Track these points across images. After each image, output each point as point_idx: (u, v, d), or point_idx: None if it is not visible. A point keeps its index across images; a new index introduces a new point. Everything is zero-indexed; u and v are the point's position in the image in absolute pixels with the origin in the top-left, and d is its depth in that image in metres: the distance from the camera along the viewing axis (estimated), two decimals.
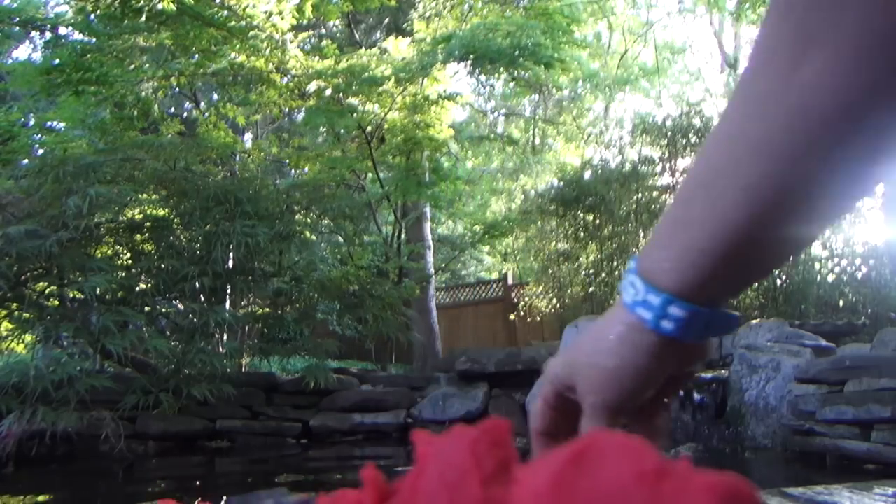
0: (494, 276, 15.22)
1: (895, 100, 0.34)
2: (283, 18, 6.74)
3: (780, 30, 0.36)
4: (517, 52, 6.90)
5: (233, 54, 6.82)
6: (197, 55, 7.23)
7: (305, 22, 7.21)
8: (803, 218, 0.38)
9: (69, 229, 4.43)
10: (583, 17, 10.96)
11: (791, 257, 0.45)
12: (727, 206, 0.38)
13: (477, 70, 7.92)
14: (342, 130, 7.88)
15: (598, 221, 8.19)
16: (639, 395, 0.45)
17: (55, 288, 5.01)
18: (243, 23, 6.73)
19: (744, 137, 0.38)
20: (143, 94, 7.57)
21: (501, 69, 7.52)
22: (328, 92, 7.10)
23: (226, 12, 6.75)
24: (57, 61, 6.65)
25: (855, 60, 0.33)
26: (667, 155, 7.92)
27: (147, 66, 7.52)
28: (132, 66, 7.42)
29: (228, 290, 5.84)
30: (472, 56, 6.93)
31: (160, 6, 6.40)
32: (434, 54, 7.09)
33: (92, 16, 6.99)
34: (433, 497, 0.15)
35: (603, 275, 8.06)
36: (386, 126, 7.86)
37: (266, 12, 6.67)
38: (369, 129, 7.82)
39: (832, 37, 0.33)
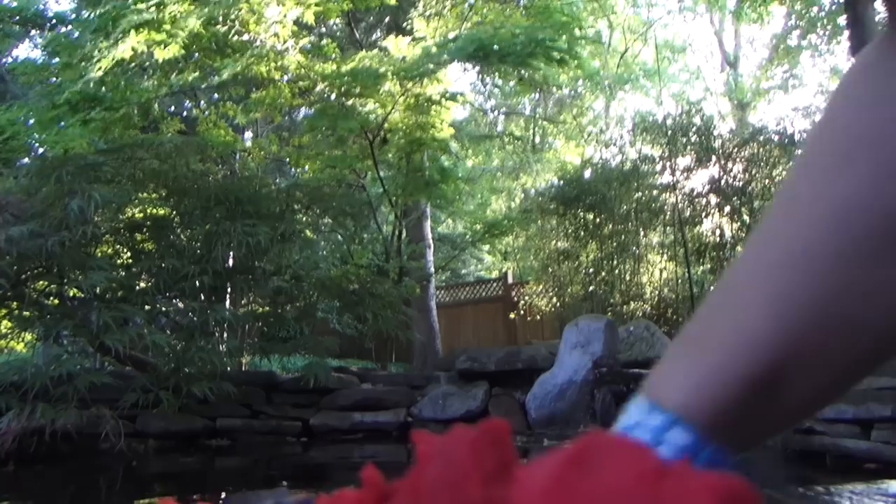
0: (494, 274, 15.23)
1: None
2: (284, 27, 6.72)
3: (826, 135, 0.33)
4: (531, 48, 6.74)
5: (238, 66, 6.81)
6: (197, 73, 7.23)
7: (305, 21, 7.20)
8: (839, 347, 0.31)
9: (72, 231, 4.44)
10: (583, 16, 10.95)
11: (822, 404, 0.35)
12: (751, 317, 0.32)
13: (486, 70, 7.81)
14: (344, 133, 7.86)
15: (598, 220, 8.19)
16: None
17: (55, 287, 5.01)
18: (246, 37, 6.73)
19: (777, 243, 0.33)
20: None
21: (511, 69, 7.40)
22: (333, 97, 7.09)
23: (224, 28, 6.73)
24: (63, 100, 6.53)
25: None
26: (667, 154, 7.92)
27: (149, 70, 7.52)
28: (132, 64, 7.41)
29: (228, 289, 5.85)
30: (481, 53, 6.82)
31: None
32: (440, 55, 7.05)
33: (92, 15, 6.99)
34: (433, 497, 0.15)
35: (603, 273, 8.07)
36: (387, 126, 7.86)
37: (266, 24, 6.66)
38: (371, 127, 7.82)
39: (878, 146, 0.30)
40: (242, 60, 6.40)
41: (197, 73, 7.10)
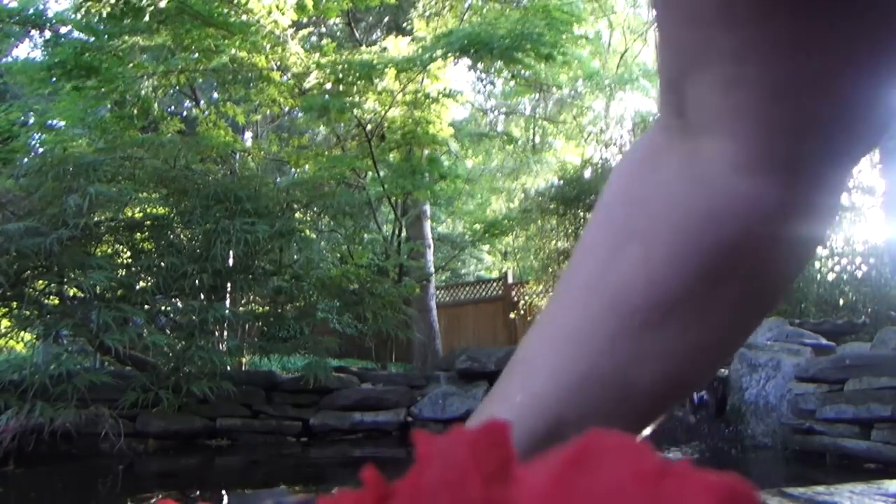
0: (494, 274, 15.23)
1: (702, 300, 0.35)
2: (283, 14, 6.73)
3: (602, 225, 0.39)
4: (518, 42, 6.78)
5: (233, 50, 6.81)
6: (197, 54, 7.23)
7: (305, 19, 7.21)
8: (615, 405, 0.37)
9: (69, 227, 4.44)
10: (584, 15, 10.94)
11: None
12: (536, 385, 0.38)
13: (477, 64, 7.82)
14: (342, 126, 7.85)
15: None
16: None
17: (55, 286, 5.01)
18: (244, 17, 6.72)
19: (558, 324, 0.39)
20: (143, 92, 7.57)
21: (501, 63, 7.42)
22: (328, 86, 7.09)
23: (226, 10, 6.74)
24: (57, 59, 6.62)
25: (665, 262, 0.35)
26: None
27: (146, 57, 7.52)
28: (131, 65, 7.42)
29: (228, 288, 5.85)
30: (472, 49, 6.85)
31: (162, 4, 6.39)
32: (434, 49, 7.06)
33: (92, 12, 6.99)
34: (433, 497, 0.15)
35: None
36: (386, 125, 7.86)
37: (267, 7, 6.65)
38: (370, 127, 7.82)
39: (647, 236, 0.36)
40: (241, 44, 6.40)
41: (195, 58, 7.11)
